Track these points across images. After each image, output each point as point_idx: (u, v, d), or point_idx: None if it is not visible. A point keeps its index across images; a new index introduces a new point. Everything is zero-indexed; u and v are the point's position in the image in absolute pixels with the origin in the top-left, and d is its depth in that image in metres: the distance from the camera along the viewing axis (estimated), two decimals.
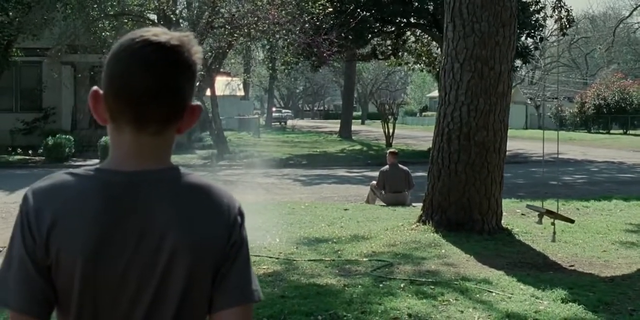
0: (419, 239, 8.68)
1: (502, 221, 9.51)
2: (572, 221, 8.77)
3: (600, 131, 49.56)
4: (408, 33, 31.37)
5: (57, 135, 22.62)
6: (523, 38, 27.74)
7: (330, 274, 6.95)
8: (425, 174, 10.02)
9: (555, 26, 35.01)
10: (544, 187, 14.31)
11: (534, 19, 27.77)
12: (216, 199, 1.58)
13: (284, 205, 12.24)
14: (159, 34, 1.52)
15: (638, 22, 72.09)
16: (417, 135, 42.21)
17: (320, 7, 23.04)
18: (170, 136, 1.57)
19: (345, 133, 40.81)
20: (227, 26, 22.61)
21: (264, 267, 7.19)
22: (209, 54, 23.13)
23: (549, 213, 8.39)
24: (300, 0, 22.87)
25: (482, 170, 9.26)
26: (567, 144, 29.90)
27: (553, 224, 8.40)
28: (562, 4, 27.38)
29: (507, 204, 10.72)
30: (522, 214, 10.80)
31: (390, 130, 31.96)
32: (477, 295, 6.19)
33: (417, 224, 9.47)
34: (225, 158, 23.71)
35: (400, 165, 13.01)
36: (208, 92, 25.21)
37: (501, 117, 9.38)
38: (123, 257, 1.50)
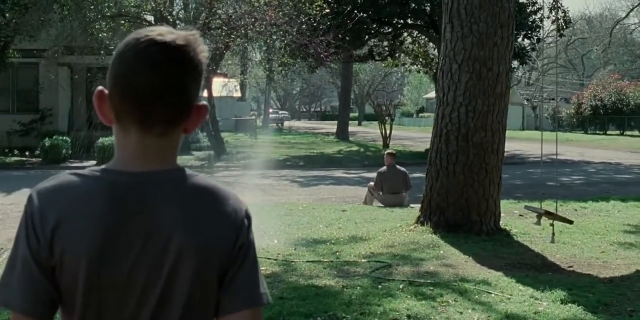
0: (417, 240, 8.67)
1: (500, 222, 9.51)
2: (571, 222, 8.77)
3: (597, 132, 49.64)
4: (405, 34, 31.39)
5: (54, 137, 22.57)
6: (520, 39, 27.77)
7: (328, 275, 6.94)
8: (422, 175, 10.02)
9: (552, 27, 35.07)
10: (542, 188, 14.32)
11: (531, 20, 27.79)
12: (222, 201, 1.57)
13: (281, 207, 12.23)
14: (165, 33, 1.51)
15: (635, 24, 72.08)
16: (414, 136, 42.23)
17: (317, 8, 23.05)
18: (177, 137, 1.56)
19: (342, 134, 40.81)
20: (224, 27, 22.61)
21: (262, 268, 7.14)
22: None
23: (548, 214, 8.38)
24: (297, 1, 22.87)
25: (480, 171, 9.25)
26: (564, 145, 29.89)
27: (552, 225, 8.39)
28: (559, 5, 27.45)
29: (504, 205, 10.72)
30: (520, 215, 10.80)
31: (387, 131, 31.96)
32: (476, 297, 6.19)
33: (415, 225, 9.46)
34: (222, 159, 23.70)
35: (398, 166, 13.00)
36: (205, 93, 25.19)
37: (499, 118, 9.37)
38: (129, 257, 1.48)
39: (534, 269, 7.41)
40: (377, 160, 21.54)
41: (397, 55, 32.16)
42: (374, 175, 13.34)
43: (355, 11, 26.11)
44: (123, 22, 23.29)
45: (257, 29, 22.44)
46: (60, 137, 22.71)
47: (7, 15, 21.93)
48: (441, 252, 8.06)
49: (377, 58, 32.29)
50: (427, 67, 31.48)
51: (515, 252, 8.24)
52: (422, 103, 77.81)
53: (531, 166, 22.87)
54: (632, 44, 73.98)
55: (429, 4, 26.84)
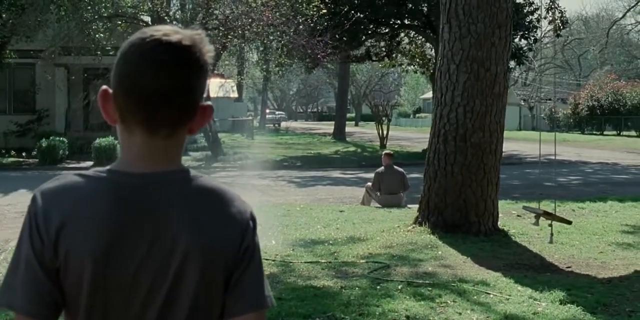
0: (415, 240, 8.66)
1: (499, 222, 9.51)
2: (569, 222, 8.77)
3: (594, 132, 49.71)
4: (402, 34, 31.42)
5: (51, 138, 22.51)
6: (517, 39, 27.80)
7: (327, 276, 6.93)
8: (420, 175, 10.01)
9: (549, 27, 35.10)
10: (539, 188, 14.32)
11: (528, 20, 27.85)
12: (228, 203, 1.56)
13: (279, 207, 12.21)
14: (170, 33, 1.49)
15: (631, 24, 72.30)
16: (411, 136, 42.25)
17: (315, 9, 23.04)
18: (182, 137, 1.55)
19: (339, 135, 40.79)
20: (221, 28, 22.58)
21: None
22: None
23: (546, 214, 8.38)
24: (294, 1, 22.86)
25: (479, 172, 9.25)
26: (561, 145, 29.95)
27: (550, 225, 8.39)
28: (556, 5, 27.48)
29: (502, 206, 10.72)
30: (518, 216, 10.80)
31: (385, 132, 31.96)
32: (475, 297, 6.18)
33: (413, 225, 9.46)
34: (219, 160, 23.67)
35: (395, 167, 12.99)
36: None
37: (497, 119, 9.38)
38: (134, 258, 1.48)
39: (533, 270, 7.41)
40: (374, 161, 21.55)
41: (394, 55, 32.20)
42: (371, 175, 13.33)
43: (353, 12, 26.15)
44: (120, 22, 23.25)
45: (254, 30, 22.41)
46: (57, 138, 22.66)
47: (4, 15, 21.89)
48: (439, 252, 8.05)
49: (374, 58, 32.32)
50: (424, 67, 31.53)
51: (514, 252, 8.24)
52: (419, 103, 77.93)
53: (528, 166, 22.91)
54: (628, 45, 74.12)
55: (425, 5, 26.87)
